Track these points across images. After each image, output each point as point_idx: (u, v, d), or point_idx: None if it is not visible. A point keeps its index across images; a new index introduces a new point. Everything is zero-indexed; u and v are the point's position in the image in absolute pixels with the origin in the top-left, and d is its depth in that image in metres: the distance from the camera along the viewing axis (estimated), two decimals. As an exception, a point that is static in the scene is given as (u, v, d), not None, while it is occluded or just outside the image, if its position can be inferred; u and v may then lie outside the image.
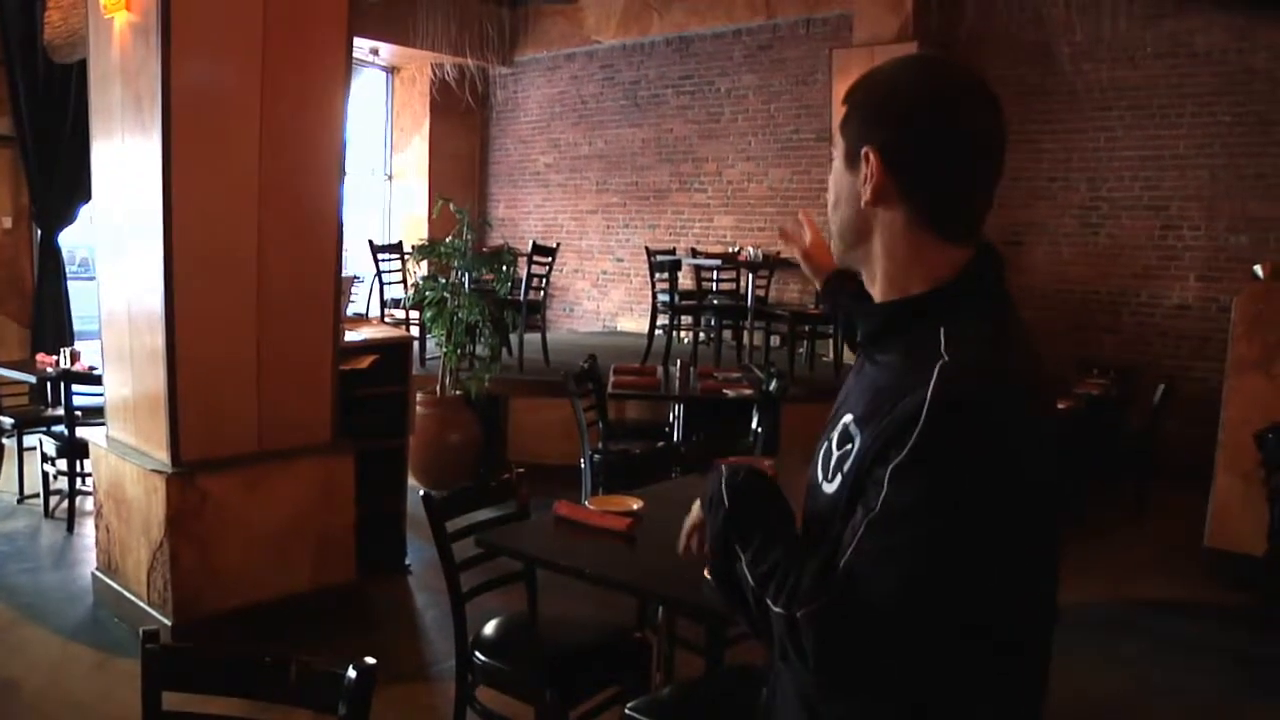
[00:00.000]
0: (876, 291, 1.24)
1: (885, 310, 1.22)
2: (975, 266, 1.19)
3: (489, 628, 2.84)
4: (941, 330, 1.13)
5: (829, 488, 1.17)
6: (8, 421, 5.79)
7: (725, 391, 5.28)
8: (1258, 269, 5.21)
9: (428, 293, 6.19)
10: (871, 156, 1.16)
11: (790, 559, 1.13)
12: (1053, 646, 1.20)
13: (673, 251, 8.55)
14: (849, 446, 1.15)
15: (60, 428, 5.32)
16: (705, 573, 2.30)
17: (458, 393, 6.28)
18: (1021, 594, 1.13)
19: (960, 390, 1.06)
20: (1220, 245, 6.91)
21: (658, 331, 7.64)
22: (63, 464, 5.29)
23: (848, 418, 1.18)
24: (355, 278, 9.20)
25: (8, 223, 7.48)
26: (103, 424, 4.30)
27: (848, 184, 1.22)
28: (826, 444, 1.21)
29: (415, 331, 6.94)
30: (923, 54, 1.26)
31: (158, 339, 3.66)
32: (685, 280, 8.14)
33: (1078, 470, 5.33)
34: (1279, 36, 6.58)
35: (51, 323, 7.48)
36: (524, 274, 7.23)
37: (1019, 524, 1.09)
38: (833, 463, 1.17)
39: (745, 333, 7.60)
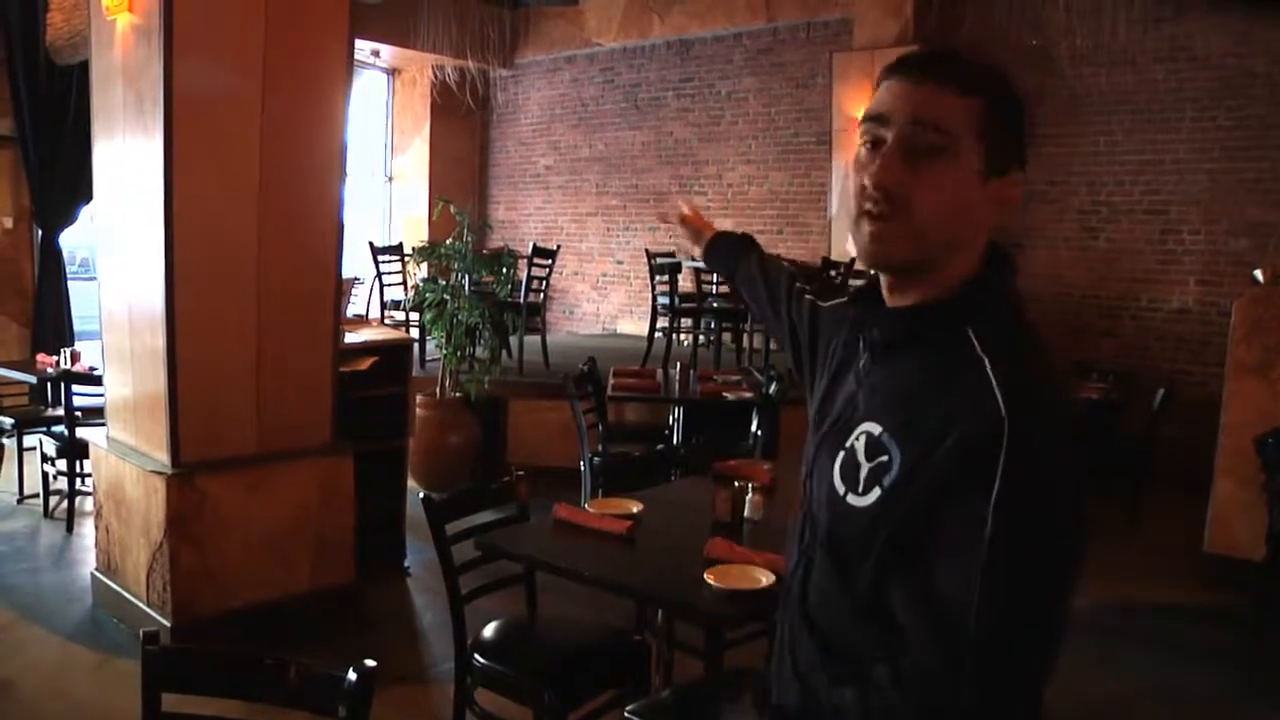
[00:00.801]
0: (909, 297, 1.19)
1: (910, 315, 1.18)
2: (991, 265, 1.18)
3: (488, 630, 2.84)
4: (970, 332, 1.11)
5: (860, 501, 1.13)
6: (8, 421, 5.79)
7: (725, 394, 5.29)
8: (1257, 273, 5.21)
9: (428, 295, 6.19)
10: (1019, 175, 1.13)
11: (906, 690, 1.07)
12: None
13: (673, 254, 8.55)
14: (884, 459, 1.11)
15: (60, 428, 5.31)
16: (706, 577, 2.31)
17: (457, 395, 6.28)
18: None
19: (1032, 402, 1.04)
20: (1220, 249, 6.92)
21: (657, 334, 7.64)
22: (62, 464, 5.28)
23: (873, 428, 1.15)
24: (355, 279, 9.21)
25: (8, 223, 7.48)
26: (103, 424, 4.30)
27: (973, 198, 1.13)
28: (844, 454, 1.17)
29: (415, 333, 6.95)
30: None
31: (158, 339, 3.66)
32: (685, 283, 8.13)
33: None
34: (1278, 40, 6.59)
35: (52, 323, 7.48)
36: (524, 276, 7.24)
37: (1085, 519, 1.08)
38: (863, 475, 1.13)
39: (745, 335, 7.61)
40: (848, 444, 1.18)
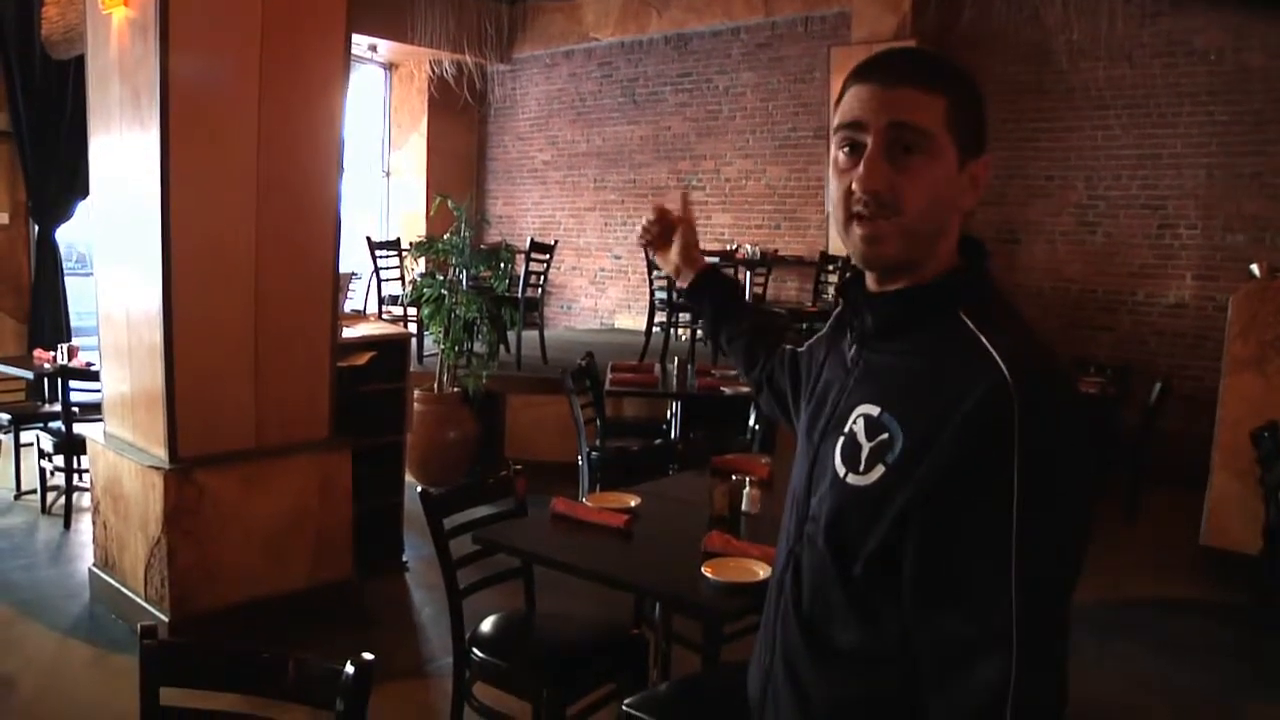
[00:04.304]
0: (896, 284, 1.21)
1: (902, 299, 1.20)
2: (971, 250, 1.22)
3: (486, 624, 2.84)
4: (963, 313, 1.15)
5: (862, 480, 1.15)
6: (4, 417, 5.79)
7: (723, 389, 5.29)
8: (1254, 268, 5.22)
9: (425, 290, 6.19)
10: (986, 161, 1.18)
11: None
12: None
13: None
14: (885, 436, 1.14)
15: (57, 424, 5.32)
16: (703, 570, 2.31)
17: (455, 390, 6.28)
18: None
19: (1034, 369, 1.08)
20: (1217, 244, 6.92)
21: (655, 329, 7.64)
22: (60, 460, 5.28)
23: (871, 409, 1.17)
24: (353, 274, 9.21)
25: (4, 218, 7.47)
26: (100, 420, 4.30)
27: (954, 187, 1.17)
28: (844, 439, 1.19)
29: (413, 328, 6.95)
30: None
31: (155, 335, 3.66)
32: (683, 278, 8.11)
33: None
34: (1275, 35, 6.59)
35: (49, 318, 7.48)
36: (522, 271, 7.23)
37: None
38: (865, 455, 1.15)
39: (743, 330, 7.58)
40: (846, 429, 1.20)
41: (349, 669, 1.57)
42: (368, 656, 1.59)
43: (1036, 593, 1.03)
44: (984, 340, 1.10)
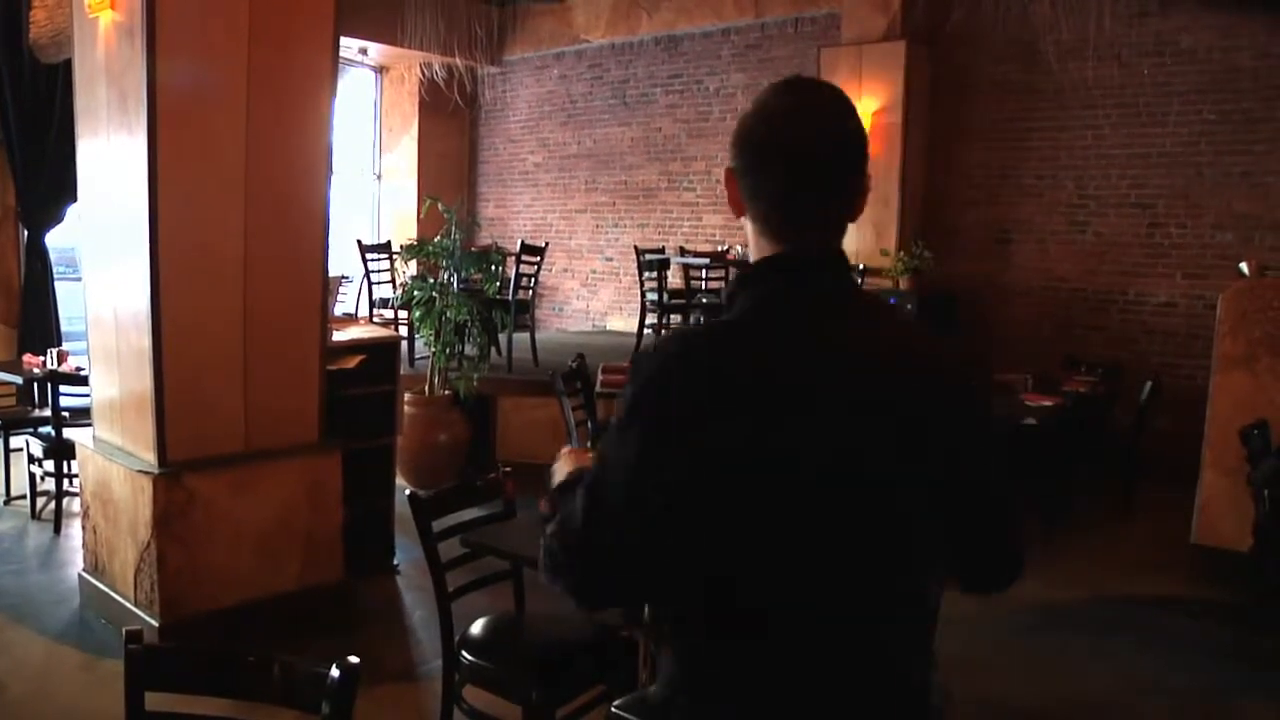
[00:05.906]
0: None
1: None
2: (768, 262, 1.30)
3: (476, 627, 2.84)
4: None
5: None
6: (-6, 422, 5.77)
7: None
8: (1243, 266, 5.23)
9: (416, 292, 6.18)
10: (726, 175, 1.34)
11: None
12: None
13: (661, 250, 8.55)
14: None
15: (47, 428, 5.30)
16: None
17: (446, 392, 6.27)
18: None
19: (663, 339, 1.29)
20: (1206, 243, 6.95)
21: (647, 330, 7.64)
22: (50, 465, 5.27)
23: None
24: (343, 277, 9.19)
25: (-7, 223, 7.45)
26: (89, 425, 4.29)
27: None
28: None
29: (404, 331, 6.93)
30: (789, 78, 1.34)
31: (144, 339, 3.65)
32: (674, 279, 8.14)
33: (1058, 468, 5.36)
34: (1263, 35, 6.61)
35: (38, 323, 7.45)
36: (513, 273, 7.23)
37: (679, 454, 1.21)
38: None
39: (734, 331, 7.59)
40: None
41: (334, 671, 1.57)
42: (353, 659, 1.58)
43: (591, 488, 1.26)
44: None
